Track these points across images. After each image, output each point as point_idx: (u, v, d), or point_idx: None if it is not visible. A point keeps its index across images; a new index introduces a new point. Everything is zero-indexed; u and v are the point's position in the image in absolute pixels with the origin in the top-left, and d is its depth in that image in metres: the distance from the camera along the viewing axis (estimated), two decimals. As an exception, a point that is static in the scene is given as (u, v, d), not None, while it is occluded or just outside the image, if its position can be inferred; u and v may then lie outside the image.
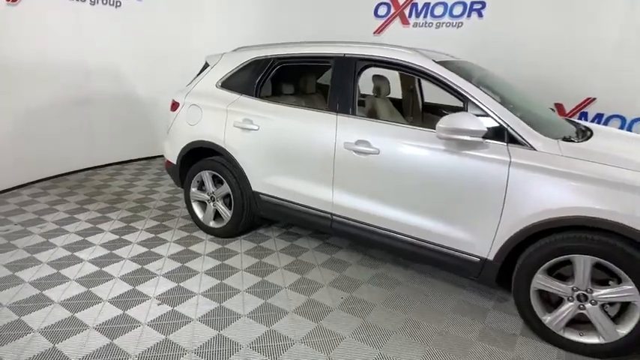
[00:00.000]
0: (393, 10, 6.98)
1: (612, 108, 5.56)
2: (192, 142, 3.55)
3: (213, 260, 3.25)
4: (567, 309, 2.34)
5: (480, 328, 2.56)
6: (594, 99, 5.68)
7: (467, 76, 2.68)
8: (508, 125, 2.43)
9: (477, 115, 2.46)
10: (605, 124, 5.62)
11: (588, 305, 2.29)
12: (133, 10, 5.49)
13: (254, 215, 3.50)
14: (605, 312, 2.28)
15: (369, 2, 7.07)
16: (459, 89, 2.58)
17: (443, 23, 6.73)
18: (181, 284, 2.91)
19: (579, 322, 2.36)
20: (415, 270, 3.22)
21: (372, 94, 3.77)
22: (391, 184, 2.75)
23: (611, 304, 2.27)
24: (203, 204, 3.69)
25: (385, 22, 7.06)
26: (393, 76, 3.99)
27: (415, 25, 6.91)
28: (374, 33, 7.12)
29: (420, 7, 6.84)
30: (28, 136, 4.68)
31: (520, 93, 3.27)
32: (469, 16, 6.55)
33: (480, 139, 2.43)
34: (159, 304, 2.68)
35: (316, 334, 2.45)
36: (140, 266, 3.12)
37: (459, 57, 3.78)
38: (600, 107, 5.66)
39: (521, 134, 2.40)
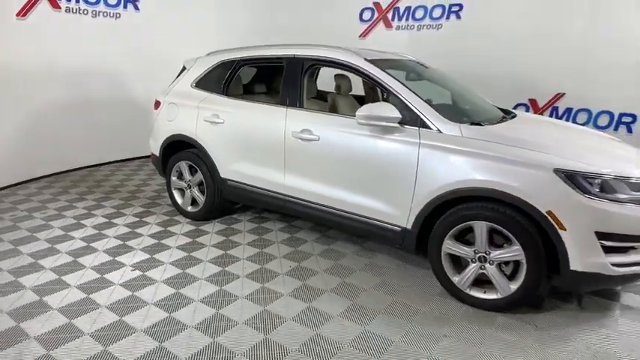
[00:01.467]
0: (377, 15, 7.40)
1: (580, 102, 5.85)
2: (171, 136, 4.04)
3: (186, 238, 3.72)
4: (471, 269, 2.71)
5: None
6: (564, 94, 5.97)
7: (393, 72, 3.08)
8: (420, 112, 2.83)
9: (396, 105, 2.87)
10: (574, 117, 5.91)
11: (487, 265, 2.66)
12: (132, 21, 6.05)
13: (224, 200, 3.95)
14: (502, 271, 2.64)
15: (355, 7, 7.51)
16: (382, 83, 3.00)
17: (424, 25, 7.11)
18: (154, 256, 3.39)
19: (483, 281, 2.73)
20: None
21: (334, 91, 4.19)
22: (329, 166, 3.17)
23: (506, 263, 2.64)
24: (182, 191, 4.17)
25: (370, 25, 7.48)
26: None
27: (398, 27, 7.32)
28: (359, 36, 7.56)
29: (401, 10, 7.24)
30: (37, 136, 5.25)
31: (459, 87, 3.68)
32: (448, 18, 6.92)
33: (397, 125, 2.83)
34: (132, 270, 3.16)
35: (262, 291, 2.89)
36: (122, 242, 3.61)
37: (413, 56, 4.16)
38: (569, 102, 5.95)
39: (430, 119, 2.79)
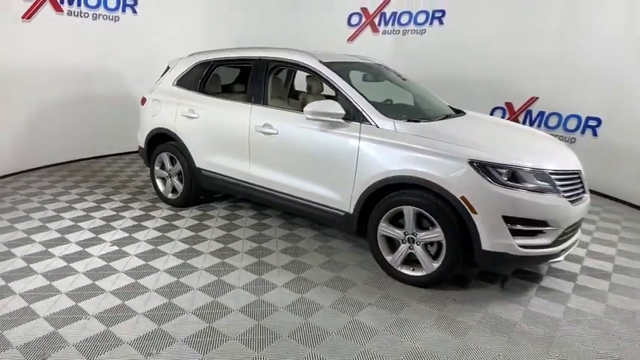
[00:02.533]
0: (364, 20, 7.76)
1: (552, 106, 6.14)
2: (154, 129, 4.45)
3: (163, 221, 4.12)
4: (402, 249, 3.05)
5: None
6: (537, 98, 6.26)
7: (344, 74, 3.45)
8: (362, 110, 3.18)
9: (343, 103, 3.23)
10: (546, 120, 6.20)
11: (415, 246, 2.99)
12: (130, 23, 6.49)
13: (200, 188, 4.34)
14: (427, 251, 2.98)
15: (343, 12, 7.89)
16: (331, 82, 3.37)
17: (408, 30, 7.46)
18: (133, 235, 3.79)
19: (412, 261, 3.06)
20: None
21: (305, 91, 4.56)
22: (286, 157, 3.55)
23: (431, 244, 2.97)
24: (164, 180, 4.57)
25: (357, 30, 7.85)
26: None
27: (384, 32, 7.68)
28: (348, 40, 7.94)
29: (388, 16, 7.60)
30: (39, 130, 5.71)
31: (417, 88, 4.12)
32: (431, 23, 7.27)
33: (342, 120, 3.19)
34: (110, 246, 3.56)
35: (221, 265, 3.26)
36: (105, 223, 4.02)
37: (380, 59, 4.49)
38: (542, 106, 6.25)
39: (370, 116, 3.15)
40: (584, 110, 5.76)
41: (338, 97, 3.35)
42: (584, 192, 3.06)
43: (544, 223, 2.75)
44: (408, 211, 2.95)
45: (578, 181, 3.04)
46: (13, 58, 5.33)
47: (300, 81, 5.00)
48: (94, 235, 3.74)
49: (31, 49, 5.50)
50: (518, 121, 6.47)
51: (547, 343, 2.48)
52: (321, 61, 3.51)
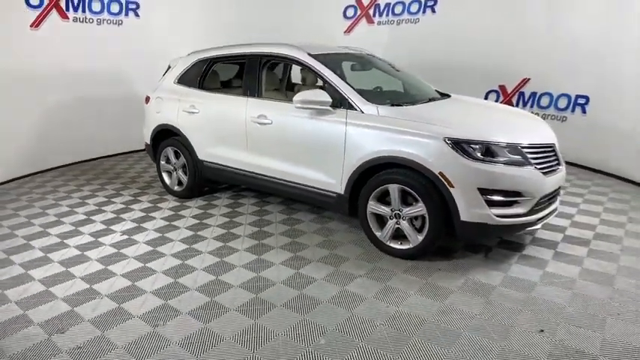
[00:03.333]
0: (359, 11, 7.94)
1: (543, 86, 6.27)
2: (158, 126, 4.72)
3: (170, 212, 4.39)
4: (389, 225, 3.27)
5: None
6: (529, 79, 6.40)
7: (332, 65, 3.66)
8: (348, 97, 3.40)
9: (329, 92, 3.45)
10: (538, 100, 6.34)
11: (402, 221, 3.21)
12: (133, 26, 6.76)
13: (203, 179, 4.59)
14: (413, 225, 3.20)
15: (338, 5, 8.07)
16: (319, 73, 3.58)
17: (402, 20, 7.62)
18: (141, 224, 4.06)
19: (400, 236, 3.28)
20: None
21: (299, 83, 4.79)
22: (281, 145, 3.78)
23: (416, 219, 3.18)
24: (170, 173, 4.84)
25: (353, 22, 8.03)
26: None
27: (379, 23, 7.86)
28: (344, 33, 8.12)
29: (382, 7, 7.77)
30: (51, 132, 6.02)
31: (404, 75, 4.34)
32: (424, 12, 7.42)
33: (329, 108, 3.41)
34: (121, 235, 3.84)
35: (224, 248, 3.52)
36: (116, 215, 4.31)
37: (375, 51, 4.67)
38: (534, 87, 6.38)
39: (355, 102, 3.36)
40: (573, 89, 5.89)
41: (325, 86, 3.56)
42: (558, 164, 3.24)
43: (518, 194, 2.95)
44: (393, 189, 3.17)
45: (553, 154, 3.23)
46: (25, 65, 5.63)
47: (297, 74, 5.24)
48: (105, 227, 4.03)
49: (41, 55, 5.79)
50: (511, 103, 6.63)
51: (522, 302, 2.69)
52: (309, 54, 3.72)
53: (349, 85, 3.46)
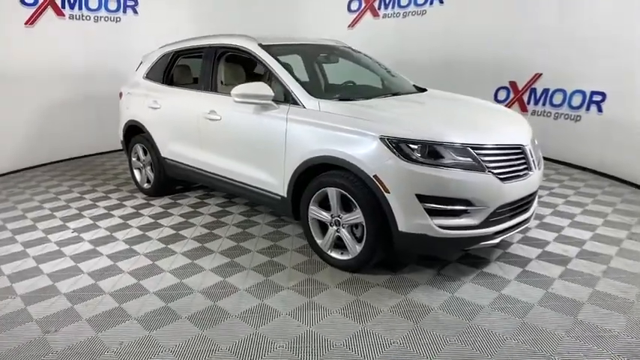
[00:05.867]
0: (364, 4, 7.57)
1: (556, 83, 5.69)
2: (128, 122, 4.61)
3: (131, 209, 4.26)
4: (330, 233, 2.94)
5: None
6: (541, 74, 5.82)
7: (283, 57, 3.37)
8: (292, 91, 3.09)
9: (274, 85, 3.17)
10: (551, 98, 5.75)
11: (341, 229, 2.87)
12: (131, 23, 6.75)
13: (168, 177, 4.42)
14: (353, 234, 2.85)
15: (342, -1, 7.71)
16: (265, 64, 3.31)
17: (409, 12, 7.19)
18: (97, 222, 3.95)
19: (343, 246, 2.94)
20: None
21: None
22: (230, 142, 3.54)
23: (356, 226, 2.83)
24: (140, 170, 4.72)
25: (358, 15, 7.67)
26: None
27: (385, 16, 7.46)
28: (348, 27, 7.77)
29: (387, -2, 7.32)
30: (44, 129, 6.10)
31: (379, 70, 4.01)
32: (431, 3, 6.96)
33: (272, 102, 3.13)
34: (72, 232, 3.74)
35: (174, 236, 3.33)
36: (78, 212, 4.23)
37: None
38: (546, 83, 5.80)
39: (299, 97, 3.05)
40: (589, 86, 5.25)
41: (271, 79, 3.28)
42: (527, 169, 2.79)
43: (467, 202, 2.53)
44: (332, 193, 2.84)
45: (521, 157, 2.77)
46: (20, 62, 5.72)
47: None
48: (61, 223, 3.95)
49: (37, 52, 5.86)
50: (522, 101, 6.05)
51: (456, 330, 2.29)
52: (260, 44, 3.45)
53: (295, 78, 3.15)
